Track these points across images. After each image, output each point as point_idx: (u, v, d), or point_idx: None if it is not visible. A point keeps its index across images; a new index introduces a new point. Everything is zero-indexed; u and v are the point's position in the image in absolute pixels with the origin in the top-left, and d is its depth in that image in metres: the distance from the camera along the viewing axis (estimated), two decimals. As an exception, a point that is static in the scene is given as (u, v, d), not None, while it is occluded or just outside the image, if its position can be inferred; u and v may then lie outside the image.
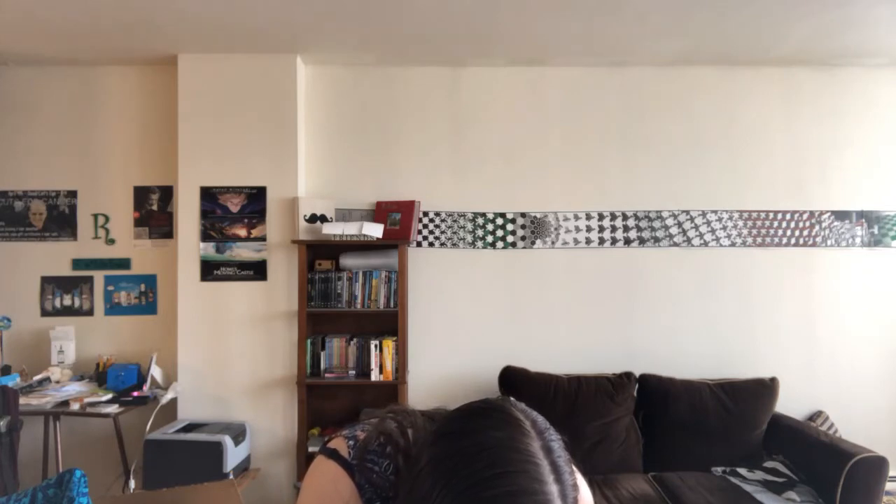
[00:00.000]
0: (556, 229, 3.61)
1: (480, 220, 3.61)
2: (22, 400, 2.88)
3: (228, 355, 3.38)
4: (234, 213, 3.41)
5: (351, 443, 0.86)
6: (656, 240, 3.61)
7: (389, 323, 3.38)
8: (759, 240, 3.61)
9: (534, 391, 3.19)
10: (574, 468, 0.78)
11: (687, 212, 3.61)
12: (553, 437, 0.72)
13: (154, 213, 3.60)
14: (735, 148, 3.62)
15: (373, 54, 3.46)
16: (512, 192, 3.60)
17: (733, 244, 3.61)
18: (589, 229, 3.61)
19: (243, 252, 3.41)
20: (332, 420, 3.46)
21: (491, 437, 0.68)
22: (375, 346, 3.29)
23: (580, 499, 0.79)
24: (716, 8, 2.88)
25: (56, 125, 3.58)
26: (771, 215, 3.61)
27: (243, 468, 3.18)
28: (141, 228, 3.59)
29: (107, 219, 3.59)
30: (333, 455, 0.85)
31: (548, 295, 3.59)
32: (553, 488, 0.66)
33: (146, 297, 3.58)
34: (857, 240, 3.61)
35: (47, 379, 3.25)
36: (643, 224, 3.61)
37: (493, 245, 3.60)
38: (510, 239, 3.60)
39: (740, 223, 3.61)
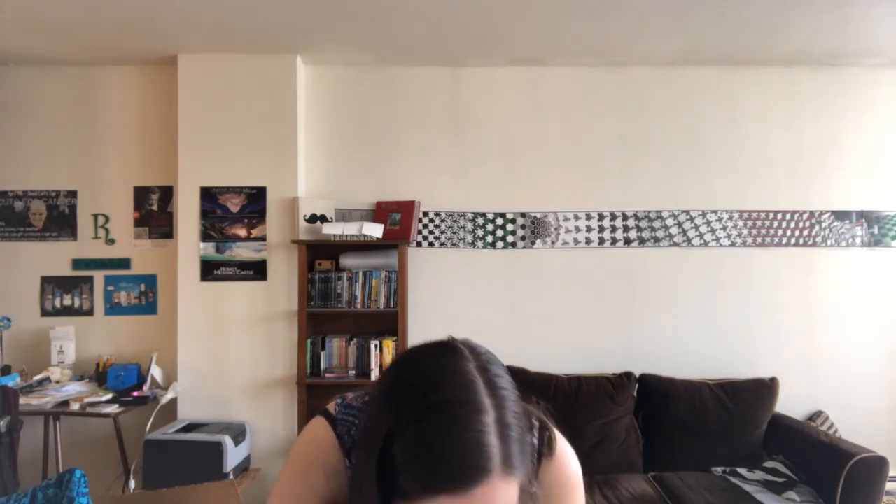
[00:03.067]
0: (556, 229, 3.61)
1: (480, 220, 3.61)
2: (22, 400, 2.88)
3: (228, 355, 3.38)
4: (234, 213, 3.41)
5: (339, 401, 0.93)
6: (656, 240, 3.61)
7: (389, 323, 3.38)
8: (758, 240, 3.61)
9: (534, 391, 3.18)
10: (549, 423, 0.88)
11: (687, 212, 3.61)
12: (493, 361, 0.77)
13: (154, 213, 3.60)
14: (735, 148, 3.62)
15: (373, 54, 3.46)
16: (512, 192, 3.60)
17: (733, 244, 3.61)
18: (589, 229, 3.61)
19: (243, 252, 3.40)
20: (332, 420, 3.45)
21: (429, 363, 0.75)
22: (375, 346, 3.29)
23: (561, 452, 0.87)
24: (716, 8, 2.88)
25: (56, 125, 3.57)
26: (771, 215, 3.61)
27: (243, 468, 3.18)
28: (141, 228, 3.59)
29: (107, 219, 3.59)
30: (324, 413, 0.93)
31: (548, 295, 3.59)
32: (486, 401, 0.69)
33: (146, 297, 3.58)
34: (857, 240, 3.61)
35: (47, 379, 3.25)
36: (643, 224, 3.61)
37: (493, 245, 3.60)
38: (510, 239, 3.60)
39: (740, 223, 3.61)
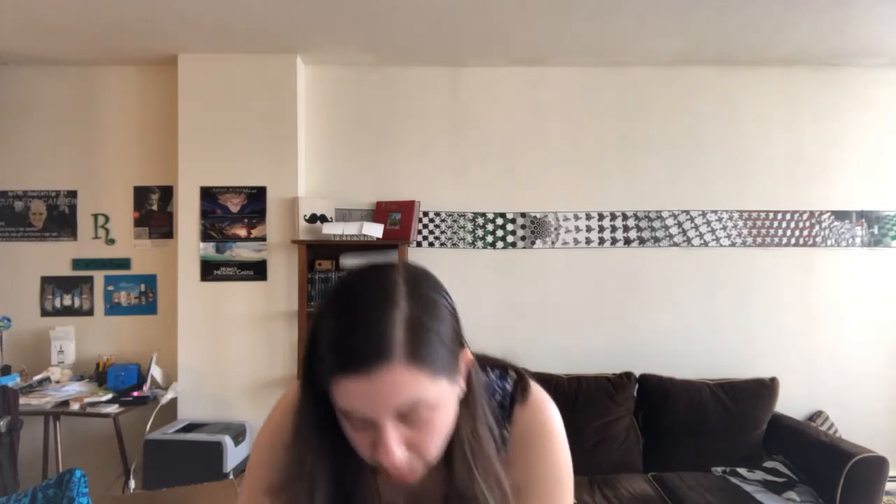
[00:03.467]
0: (556, 229, 3.61)
1: (480, 220, 3.61)
2: (22, 400, 2.88)
3: (228, 355, 3.37)
4: (234, 213, 3.41)
5: None
6: (656, 240, 3.61)
7: (389, 323, 3.37)
8: (759, 240, 3.61)
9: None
10: (526, 376, 0.90)
11: (687, 212, 3.61)
12: (427, 277, 0.80)
13: (154, 213, 3.60)
14: (735, 148, 3.62)
15: (373, 54, 3.46)
16: (512, 192, 3.60)
17: (733, 244, 3.61)
18: (589, 229, 3.61)
19: (243, 252, 3.40)
20: (332, 420, 3.45)
21: (363, 273, 0.80)
22: (375, 346, 3.28)
23: (537, 400, 0.88)
24: (716, 8, 2.88)
25: (56, 125, 3.57)
26: (771, 215, 3.61)
27: (243, 468, 3.18)
28: (141, 228, 3.59)
29: (107, 219, 3.59)
30: None
31: (548, 295, 3.58)
32: (402, 301, 0.72)
33: (146, 297, 3.58)
34: (857, 240, 3.61)
35: (47, 379, 3.25)
36: (643, 224, 3.61)
37: (493, 245, 3.60)
38: (510, 239, 3.60)
39: (740, 223, 3.61)
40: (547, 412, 0.89)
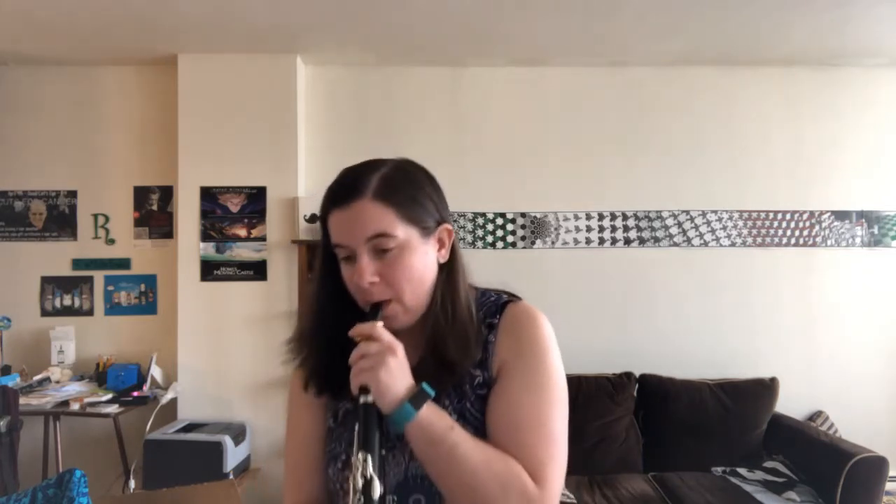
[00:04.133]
0: (556, 229, 3.61)
1: (480, 220, 3.61)
2: (22, 400, 2.88)
3: (228, 355, 3.37)
4: (234, 213, 3.41)
5: None
6: (656, 240, 3.61)
7: (389, 323, 3.37)
8: (758, 240, 3.61)
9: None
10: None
11: (687, 212, 3.61)
12: (421, 167, 1.00)
13: (154, 213, 3.60)
14: (735, 148, 3.62)
15: (373, 54, 3.46)
16: (512, 192, 3.60)
17: (733, 244, 3.61)
18: (589, 229, 3.61)
19: (243, 252, 3.40)
20: (332, 420, 3.45)
21: None
22: (375, 346, 3.28)
23: (527, 304, 0.98)
24: (716, 8, 2.88)
25: (56, 125, 3.57)
26: (771, 215, 3.61)
27: (243, 468, 3.18)
28: (141, 228, 3.59)
29: (107, 219, 3.59)
30: None
31: (548, 295, 3.58)
32: (385, 168, 0.93)
33: (146, 297, 3.58)
34: (857, 240, 3.61)
35: (47, 379, 3.25)
36: (643, 224, 3.61)
37: (493, 245, 3.60)
38: (510, 239, 3.60)
39: (740, 223, 3.61)
40: (536, 310, 0.97)
